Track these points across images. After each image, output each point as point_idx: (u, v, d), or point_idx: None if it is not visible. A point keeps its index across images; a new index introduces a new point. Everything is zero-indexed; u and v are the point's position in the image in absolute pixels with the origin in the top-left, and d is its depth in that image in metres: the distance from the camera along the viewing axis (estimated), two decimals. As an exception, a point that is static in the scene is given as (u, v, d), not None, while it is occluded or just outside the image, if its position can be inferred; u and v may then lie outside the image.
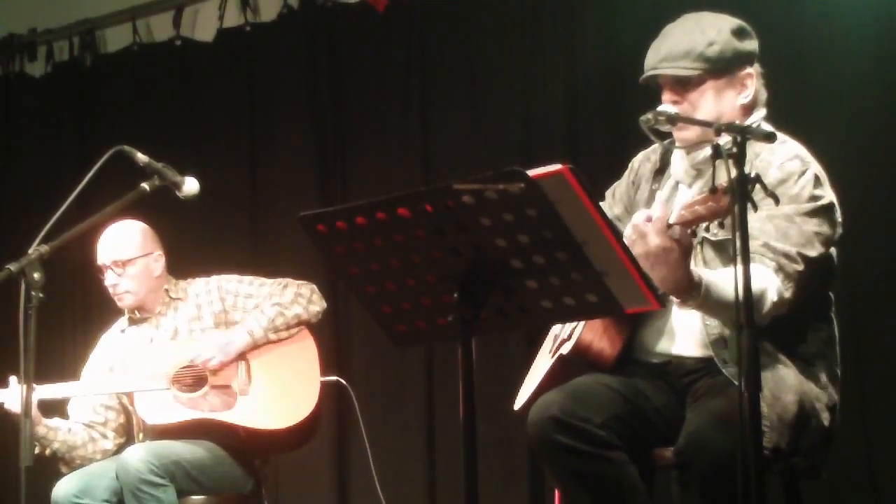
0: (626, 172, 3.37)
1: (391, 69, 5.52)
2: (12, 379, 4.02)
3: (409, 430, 5.32)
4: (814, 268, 2.94)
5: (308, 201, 5.34)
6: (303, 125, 5.72)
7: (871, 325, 4.30)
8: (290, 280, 4.32)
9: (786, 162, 2.98)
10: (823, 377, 3.03)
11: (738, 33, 3.10)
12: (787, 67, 4.16)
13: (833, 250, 3.05)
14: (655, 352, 3.12)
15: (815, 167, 3.01)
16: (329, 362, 4.54)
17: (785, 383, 2.91)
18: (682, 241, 2.71)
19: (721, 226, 2.69)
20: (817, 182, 2.98)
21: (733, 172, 2.52)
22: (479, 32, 5.31)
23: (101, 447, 4.28)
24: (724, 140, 2.68)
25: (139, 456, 3.93)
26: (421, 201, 2.32)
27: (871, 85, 4.35)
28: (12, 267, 3.14)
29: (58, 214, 3.28)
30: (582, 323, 3.11)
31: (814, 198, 2.96)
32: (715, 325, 2.99)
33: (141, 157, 3.50)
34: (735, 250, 2.53)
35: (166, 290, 4.36)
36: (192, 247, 5.44)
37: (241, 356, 4.22)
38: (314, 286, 4.33)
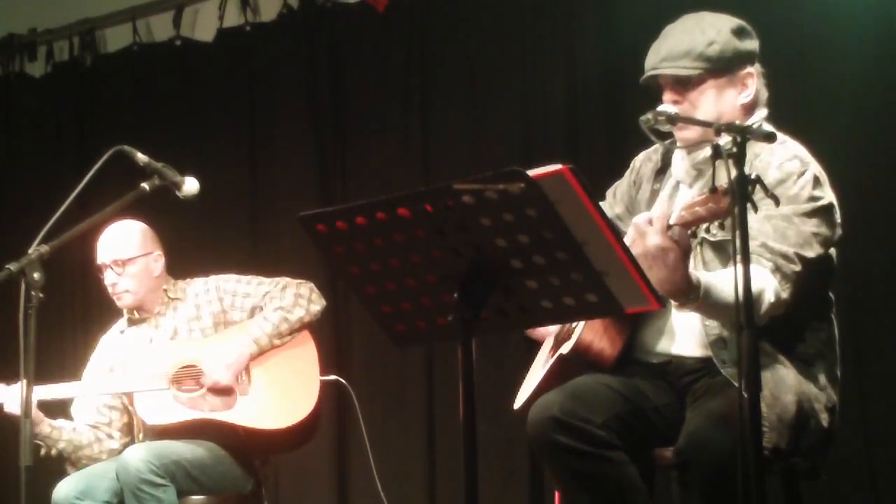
0: (628, 172, 3.37)
1: (391, 69, 5.52)
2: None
3: (409, 430, 5.32)
4: (812, 268, 2.93)
5: (308, 201, 5.34)
6: (303, 125, 5.72)
7: (871, 325, 4.30)
8: (288, 280, 4.31)
9: (785, 162, 2.98)
10: (822, 378, 3.03)
11: (739, 33, 3.10)
12: (787, 67, 4.16)
13: (833, 251, 3.04)
14: (655, 352, 3.12)
15: (815, 168, 3.01)
16: (329, 362, 4.54)
17: (784, 384, 2.91)
18: (682, 242, 2.71)
19: (721, 227, 2.69)
20: (816, 183, 2.98)
21: (733, 173, 2.52)
22: (479, 32, 5.31)
23: (107, 447, 4.28)
24: (724, 140, 2.68)
25: (139, 456, 3.93)
26: (421, 201, 2.32)
27: (871, 85, 4.35)
28: (12, 267, 3.14)
29: (58, 214, 3.28)
30: (582, 323, 3.11)
31: (813, 198, 2.95)
32: (714, 326, 2.99)
33: (141, 157, 3.50)
34: (734, 251, 2.53)
35: (165, 290, 4.36)
36: (192, 247, 5.44)
37: (243, 358, 4.24)
38: (312, 285, 4.33)
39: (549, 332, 3.40)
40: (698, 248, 3.01)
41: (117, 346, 4.36)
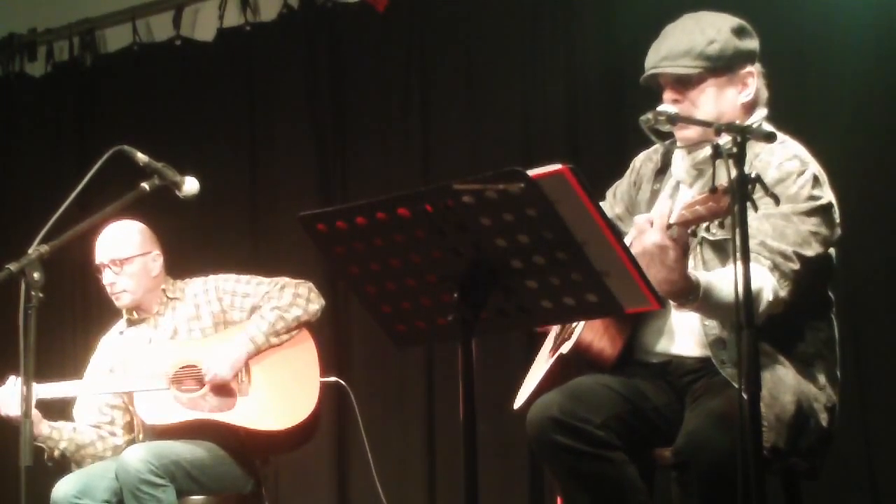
0: (628, 172, 3.37)
1: (391, 69, 5.52)
2: (11, 378, 4.03)
3: (409, 430, 5.32)
4: (811, 267, 2.93)
5: (308, 201, 5.34)
6: (303, 125, 5.72)
7: (871, 325, 4.30)
8: (287, 279, 4.32)
9: (784, 162, 2.98)
10: (822, 378, 3.03)
11: (739, 32, 3.10)
12: (787, 67, 4.16)
13: (832, 251, 3.04)
14: (655, 352, 3.12)
15: (815, 167, 3.01)
16: (329, 363, 4.54)
17: (783, 383, 2.91)
18: (681, 241, 2.71)
19: (721, 225, 2.69)
20: (816, 182, 2.98)
21: (733, 172, 2.52)
22: (479, 32, 5.31)
23: (111, 444, 4.28)
24: (724, 140, 2.68)
25: (139, 456, 3.93)
26: (421, 201, 2.32)
27: (871, 85, 4.35)
28: (12, 267, 3.14)
29: (58, 214, 3.28)
30: (582, 322, 3.11)
31: (812, 198, 2.95)
32: (713, 326, 2.99)
33: (141, 157, 3.50)
34: (734, 250, 2.53)
35: (163, 290, 4.36)
36: (192, 247, 5.45)
37: (242, 359, 4.24)
38: (311, 284, 4.33)
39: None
40: (698, 247, 3.01)
41: (117, 347, 4.36)
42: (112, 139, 3.59)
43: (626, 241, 2.95)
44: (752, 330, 2.49)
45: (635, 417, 3.03)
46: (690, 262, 2.82)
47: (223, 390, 4.18)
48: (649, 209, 3.14)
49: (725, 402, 2.80)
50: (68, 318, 5.99)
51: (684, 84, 3.08)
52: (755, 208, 2.56)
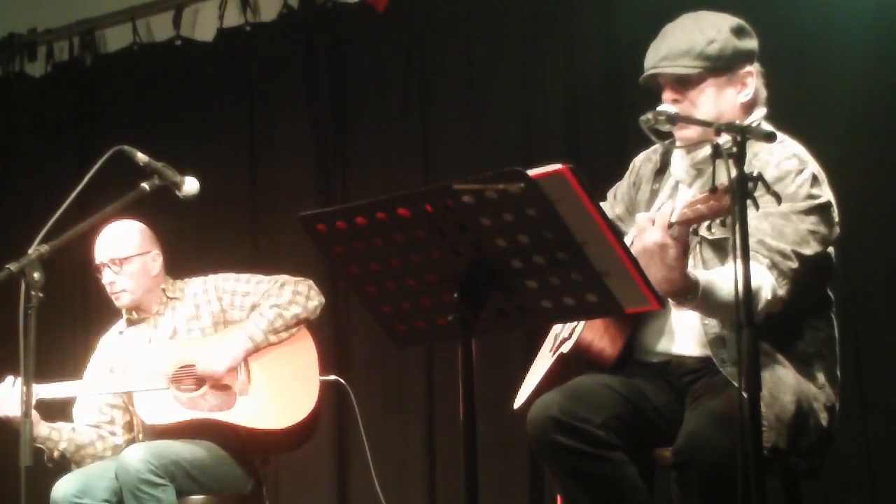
0: (628, 173, 3.37)
1: (391, 69, 5.52)
2: (8, 379, 4.03)
3: (409, 430, 5.32)
4: (809, 266, 2.93)
5: (308, 201, 5.34)
6: (303, 125, 5.72)
7: (871, 325, 4.30)
8: (287, 277, 4.32)
9: (783, 161, 2.98)
10: (821, 377, 3.03)
11: (738, 32, 3.11)
12: (787, 67, 4.16)
13: (831, 250, 3.04)
14: (655, 351, 3.12)
15: (813, 166, 3.01)
16: (329, 362, 4.54)
17: (783, 383, 2.91)
18: (681, 240, 2.71)
19: (723, 223, 2.68)
20: (815, 181, 2.98)
21: (733, 172, 2.52)
22: (479, 33, 5.31)
23: (111, 443, 4.28)
24: (724, 139, 2.68)
25: (139, 456, 3.93)
26: (421, 201, 2.32)
27: (871, 85, 4.35)
28: (12, 267, 3.15)
29: (58, 214, 3.28)
30: (582, 322, 3.11)
31: (811, 196, 2.96)
32: (713, 325, 2.99)
33: (141, 157, 3.51)
34: (734, 249, 2.53)
35: (163, 290, 4.36)
36: (192, 247, 5.45)
37: (242, 358, 4.23)
38: (311, 282, 4.33)
39: None
40: (697, 247, 3.01)
41: (117, 347, 4.36)
42: (112, 139, 3.59)
43: (627, 240, 2.96)
44: (751, 329, 2.49)
45: (635, 417, 3.03)
46: (690, 262, 2.82)
47: (223, 389, 4.18)
48: (649, 209, 3.14)
49: (725, 402, 2.80)
50: (68, 318, 5.99)
51: (684, 84, 3.08)
52: (756, 206, 2.56)
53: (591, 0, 5.02)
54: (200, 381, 4.19)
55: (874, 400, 4.27)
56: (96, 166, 3.37)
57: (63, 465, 4.21)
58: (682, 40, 3.08)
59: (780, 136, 2.93)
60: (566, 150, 4.87)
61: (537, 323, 2.94)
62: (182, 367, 4.19)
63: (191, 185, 3.55)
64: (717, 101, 3.07)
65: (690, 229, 2.76)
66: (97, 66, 6.28)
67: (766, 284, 2.84)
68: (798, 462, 2.96)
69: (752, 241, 2.80)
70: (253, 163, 5.86)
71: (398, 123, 5.50)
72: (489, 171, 2.25)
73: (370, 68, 5.59)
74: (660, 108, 3.02)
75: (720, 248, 2.99)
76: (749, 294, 2.51)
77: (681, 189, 3.17)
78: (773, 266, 2.88)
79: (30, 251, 3.17)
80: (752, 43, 3.13)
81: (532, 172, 2.24)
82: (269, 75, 5.86)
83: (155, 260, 4.35)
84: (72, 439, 4.22)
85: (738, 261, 2.52)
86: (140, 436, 4.25)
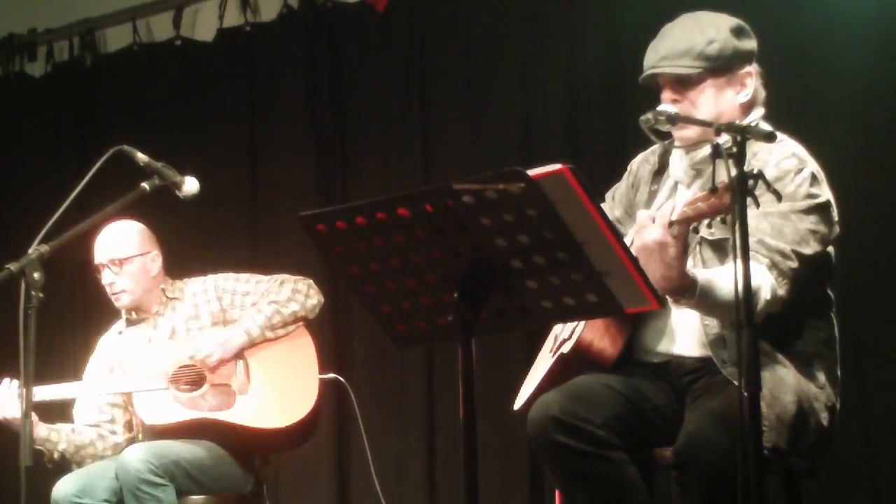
0: (625, 175, 3.37)
1: (391, 69, 5.52)
2: (6, 381, 4.03)
3: (409, 430, 5.32)
4: (809, 265, 2.94)
5: (308, 201, 5.34)
6: (303, 125, 5.72)
7: (871, 325, 4.30)
8: (286, 276, 4.32)
9: (782, 160, 2.98)
10: (822, 377, 3.03)
11: (738, 32, 3.10)
12: (787, 67, 4.16)
13: (831, 249, 3.05)
14: (656, 352, 3.12)
15: (813, 166, 3.01)
16: (329, 362, 4.54)
17: (784, 383, 2.91)
18: (682, 238, 2.71)
19: (724, 221, 2.68)
20: (814, 180, 2.98)
21: (733, 172, 2.52)
22: (479, 33, 5.31)
23: (111, 442, 4.28)
24: (724, 139, 2.68)
25: (139, 456, 3.93)
26: (421, 201, 2.32)
27: (871, 85, 4.35)
28: (12, 267, 3.15)
29: (58, 214, 3.28)
30: (583, 322, 3.11)
31: (810, 196, 2.96)
32: (714, 326, 2.99)
33: (141, 157, 3.51)
34: (734, 249, 2.53)
35: (163, 290, 4.36)
36: (192, 247, 5.45)
37: (240, 355, 4.22)
38: (311, 281, 4.34)
39: None
40: (697, 247, 3.01)
41: (116, 347, 4.36)
42: (112, 139, 3.59)
43: (627, 239, 2.96)
44: (751, 329, 2.49)
45: (636, 417, 3.03)
46: (689, 262, 2.82)
47: (222, 389, 4.18)
48: (648, 210, 3.14)
49: (726, 402, 2.79)
50: (68, 318, 5.99)
51: (683, 84, 3.08)
52: (756, 204, 2.56)
53: (591, 0, 5.02)
54: (200, 381, 4.19)
55: (874, 400, 4.27)
56: (96, 166, 3.37)
57: (63, 465, 4.21)
58: (681, 40, 3.08)
59: (780, 135, 2.93)
60: (566, 150, 4.87)
61: (537, 323, 2.94)
62: (181, 366, 4.19)
63: (191, 185, 3.55)
64: (716, 101, 3.07)
65: (691, 228, 2.76)
66: (97, 66, 6.28)
67: (766, 284, 2.84)
68: (798, 462, 2.96)
69: (751, 241, 2.80)
70: (253, 163, 5.86)
71: (398, 123, 5.50)
72: (489, 171, 2.25)
73: (370, 68, 5.59)
74: (660, 108, 3.02)
75: (720, 249, 2.98)
76: (749, 294, 2.50)
77: (680, 190, 3.16)
78: (773, 266, 2.88)
79: (30, 251, 3.18)
80: (751, 43, 3.13)
81: (532, 172, 2.24)
82: (269, 75, 5.86)
83: (154, 260, 4.35)
84: (71, 440, 4.22)
85: (738, 260, 2.52)
86: (140, 436, 4.25)
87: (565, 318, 2.94)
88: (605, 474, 2.94)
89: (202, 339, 4.21)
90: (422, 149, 5.41)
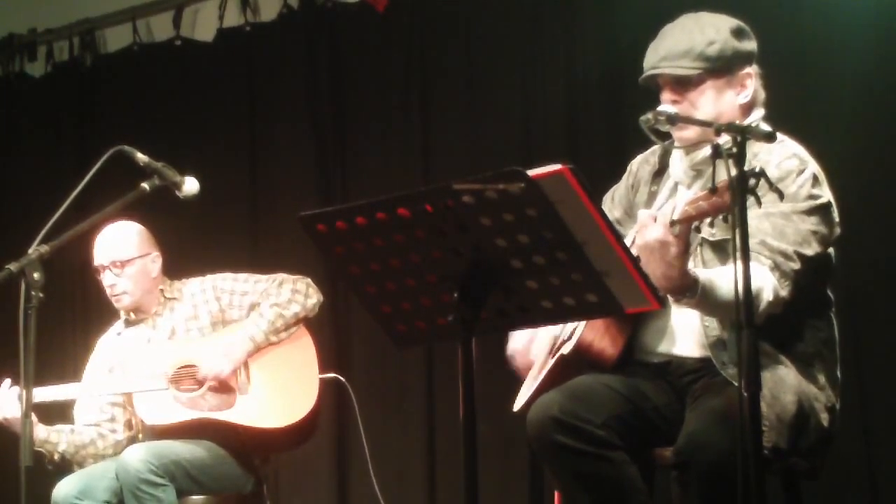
0: (625, 176, 3.36)
1: (391, 69, 5.52)
2: (5, 382, 4.03)
3: (409, 430, 5.31)
4: (810, 266, 2.94)
5: (308, 201, 5.34)
6: (303, 125, 5.72)
7: (871, 325, 4.30)
8: (285, 275, 4.32)
9: (783, 161, 2.98)
10: (822, 378, 3.03)
11: (738, 33, 3.10)
12: (787, 67, 4.16)
13: (831, 250, 3.05)
14: (656, 352, 3.12)
15: (813, 166, 3.01)
16: (329, 362, 4.54)
17: (784, 383, 2.91)
18: (683, 237, 2.71)
19: (726, 219, 2.68)
20: (815, 181, 2.98)
21: (733, 172, 2.52)
22: (479, 32, 5.31)
23: (112, 441, 4.28)
24: (724, 140, 2.68)
25: (139, 456, 3.93)
26: (421, 201, 2.32)
27: (871, 85, 4.35)
28: (12, 267, 3.14)
29: (58, 214, 3.28)
30: (583, 323, 3.11)
31: (811, 196, 2.96)
32: (714, 327, 2.98)
33: (141, 157, 3.50)
34: (734, 249, 2.53)
35: (161, 291, 4.36)
36: (192, 247, 5.44)
37: (241, 357, 4.24)
38: (309, 280, 4.33)
39: (531, 358, 3.38)
40: (698, 248, 3.00)
41: (115, 348, 4.36)
42: (112, 139, 3.59)
43: (628, 239, 2.96)
44: (751, 329, 2.49)
45: (636, 417, 3.03)
46: (690, 263, 2.82)
47: (223, 389, 4.18)
48: (647, 212, 3.14)
49: (726, 402, 2.79)
50: (68, 318, 5.98)
51: (683, 85, 3.08)
52: (758, 202, 2.56)
53: (591, 0, 5.02)
54: (200, 381, 4.19)
55: (874, 400, 4.27)
56: (96, 166, 3.37)
57: (64, 467, 4.21)
58: (681, 41, 3.08)
59: (780, 136, 2.93)
60: (566, 150, 4.87)
61: (537, 323, 2.95)
62: (181, 367, 4.19)
63: (191, 185, 3.55)
64: (716, 102, 3.07)
65: (692, 227, 2.76)
66: (97, 66, 6.28)
67: (768, 286, 2.84)
68: (798, 462, 2.96)
69: (753, 242, 2.80)
70: (253, 163, 5.86)
71: (398, 123, 5.50)
72: (489, 171, 2.25)
73: (370, 68, 5.59)
74: (660, 108, 3.02)
75: (721, 250, 2.98)
76: (749, 295, 2.50)
77: (680, 190, 3.16)
78: (776, 267, 2.88)
79: (30, 251, 3.17)
80: (751, 44, 3.13)
81: (532, 172, 2.24)
82: (269, 75, 5.86)
83: (154, 261, 4.35)
84: (71, 441, 4.22)
85: (739, 261, 2.52)
86: (140, 436, 4.25)
87: (565, 318, 2.93)
88: (606, 474, 2.94)
89: (208, 352, 4.19)
90: (422, 149, 5.41)
